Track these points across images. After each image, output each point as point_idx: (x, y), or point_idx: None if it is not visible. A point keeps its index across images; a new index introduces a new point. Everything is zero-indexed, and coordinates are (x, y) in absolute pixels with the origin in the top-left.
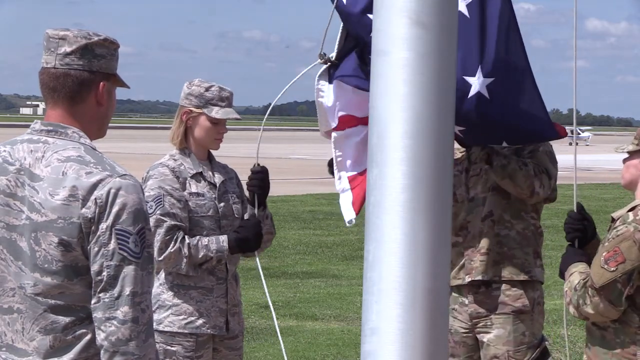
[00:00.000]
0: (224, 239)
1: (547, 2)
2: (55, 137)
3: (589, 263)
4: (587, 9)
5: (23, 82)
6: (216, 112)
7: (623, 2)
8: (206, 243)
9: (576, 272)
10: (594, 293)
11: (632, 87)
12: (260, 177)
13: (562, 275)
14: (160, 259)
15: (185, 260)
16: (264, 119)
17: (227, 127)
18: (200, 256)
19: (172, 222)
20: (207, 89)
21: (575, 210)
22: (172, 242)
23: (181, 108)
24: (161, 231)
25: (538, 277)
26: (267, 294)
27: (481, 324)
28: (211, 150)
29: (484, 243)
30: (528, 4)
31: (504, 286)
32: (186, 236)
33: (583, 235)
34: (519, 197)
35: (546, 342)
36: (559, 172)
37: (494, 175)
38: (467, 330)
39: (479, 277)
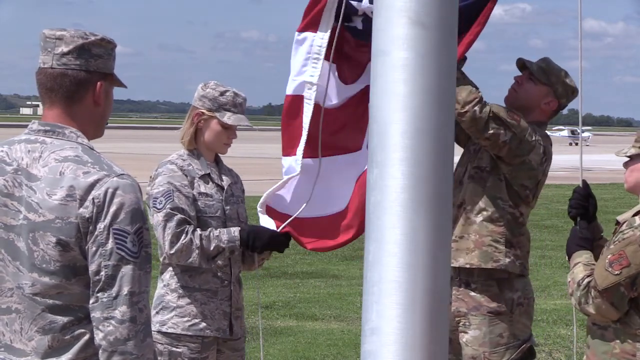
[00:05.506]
0: (235, 229)
1: (544, 2)
2: (53, 137)
3: (593, 244)
4: (584, 9)
5: (23, 82)
6: (228, 118)
7: (620, 2)
8: (217, 234)
9: (580, 264)
10: (597, 295)
11: (631, 87)
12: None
13: (569, 258)
14: (172, 252)
15: (197, 251)
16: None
17: None
18: (212, 247)
19: (182, 216)
20: (221, 94)
21: (581, 186)
22: (184, 235)
23: (193, 109)
24: (171, 225)
25: (508, 267)
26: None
27: (461, 324)
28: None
29: (456, 230)
30: (525, 4)
31: (481, 286)
32: (198, 229)
33: (586, 212)
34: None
35: (532, 343)
36: (558, 173)
37: None
38: (452, 328)
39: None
